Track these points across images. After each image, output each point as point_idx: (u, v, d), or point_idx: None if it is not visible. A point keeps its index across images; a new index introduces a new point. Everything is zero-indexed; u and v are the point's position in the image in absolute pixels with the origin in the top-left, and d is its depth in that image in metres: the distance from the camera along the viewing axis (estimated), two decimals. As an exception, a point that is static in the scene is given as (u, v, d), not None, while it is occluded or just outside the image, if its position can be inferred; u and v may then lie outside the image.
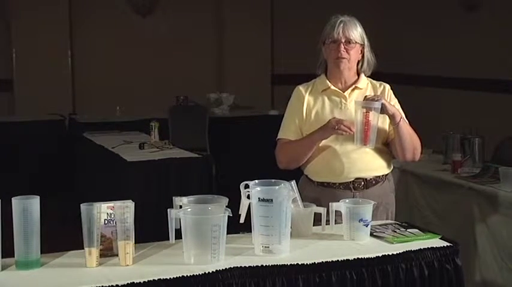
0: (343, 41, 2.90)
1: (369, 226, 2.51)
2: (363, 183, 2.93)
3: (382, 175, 2.98)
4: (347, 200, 2.54)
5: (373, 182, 2.95)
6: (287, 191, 2.39)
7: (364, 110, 2.79)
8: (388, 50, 8.30)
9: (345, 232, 2.52)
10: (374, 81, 3.05)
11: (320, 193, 2.90)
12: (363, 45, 2.96)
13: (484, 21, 7.18)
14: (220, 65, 8.80)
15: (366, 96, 2.87)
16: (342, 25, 2.90)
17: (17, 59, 7.90)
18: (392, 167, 3.04)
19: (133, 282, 2.06)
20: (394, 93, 3.03)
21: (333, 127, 2.80)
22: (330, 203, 2.54)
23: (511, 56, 6.76)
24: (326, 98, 2.97)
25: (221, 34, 8.75)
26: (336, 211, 2.54)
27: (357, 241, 2.48)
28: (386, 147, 2.98)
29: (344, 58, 2.91)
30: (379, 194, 2.91)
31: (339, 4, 7.27)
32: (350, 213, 2.49)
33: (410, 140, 2.93)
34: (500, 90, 6.96)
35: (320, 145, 2.90)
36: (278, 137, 3.02)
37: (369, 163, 2.92)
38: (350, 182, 2.92)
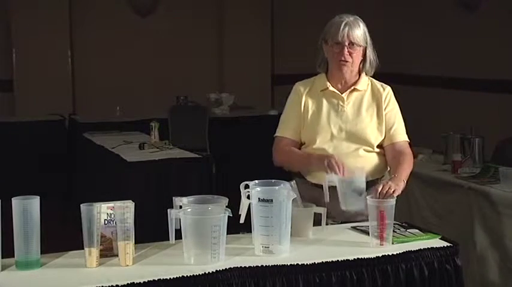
0: (346, 43, 2.86)
1: (363, 195, 2.61)
2: None
3: (376, 179, 2.94)
4: (338, 164, 2.68)
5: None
6: (287, 191, 2.39)
7: (380, 208, 2.50)
8: (388, 50, 8.28)
9: (341, 202, 2.65)
10: (375, 82, 3.01)
11: (313, 192, 2.84)
12: (365, 46, 2.94)
13: (484, 21, 7.18)
14: (220, 65, 8.80)
15: (377, 190, 2.61)
16: (347, 28, 2.85)
17: (17, 59, 7.90)
18: (387, 169, 3.01)
19: (133, 282, 2.06)
20: (394, 95, 3.02)
21: (325, 164, 2.73)
22: (325, 178, 2.66)
23: (511, 56, 6.76)
24: (324, 99, 2.95)
25: (221, 34, 8.75)
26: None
27: (352, 208, 2.63)
28: (381, 149, 2.96)
29: (347, 61, 2.89)
30: None
31: (339, 4, 7.28)
32: (343, 183, 2.62)
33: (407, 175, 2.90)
34: (500, 90, 6.96)
35: (314, 147, 2.89)
36: (276, 135, 3.01)
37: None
38: None
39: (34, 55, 7.85)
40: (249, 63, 8.61)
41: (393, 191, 2.60)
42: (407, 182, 2.80)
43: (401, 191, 2.68)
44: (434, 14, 7.94)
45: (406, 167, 2.84)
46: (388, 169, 3.01)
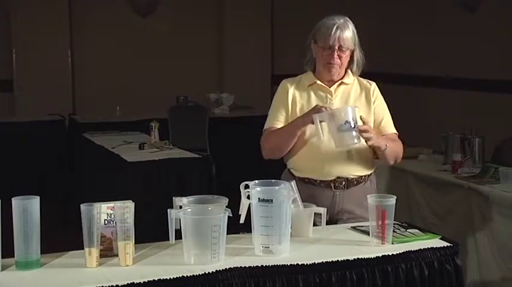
0: (336, 47, 2.89)
1: (356, 129, 2.66)
2: (344, 182, 2.92)
3: (365, 175, 2.97)
4: (327, 108, 2.72)
5: (355, 182, 2.94)
6: (287, 192, 2.40)
7: (381, 208, 2.49)
8: (387, 51, 8.31)
9: (335, 142, 2.69)
10: (361, 79, 3.05)
11: (300, 189, 2.77)
12: (354, 49, 2.96)
13: (483, 21, 7.17)
14: (220, 65, 8.80)
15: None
16: (338, 31, 2.87)
17: (17, 59, 7.91)
18: (375, 167, 3.03)
19: (133, 282, 2.06)
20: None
21: (312, 112, 2.78)
22: (313, 116, 2.69)
23: (510, 56, 6.76)
24: (312, 93, 2.98)
25: (221, 34, 8.75)
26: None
27: (346, 144, 2.65)
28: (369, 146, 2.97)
29: (336, 64, 2.92)
30: (360, 195, 2.86)
31: (338, 4, 7.29)
32: (334, 117, 2.65)
33: (393, 152, 2.94)
34: (500, 90, 6.96)
35: (303, 140, 2.90)
36: (264, 128, 3.01)
37: (351, 163, 2.91)
38: (331, 180, 2.91)
39: (34, 55, 7.86)
40: (249, 63, 8.62)
41: (369, 133, 2.74)
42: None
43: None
44: (433, 14, 7.94)
45: (391, 144, 2.90)
46: (375, 167, 3.03)
